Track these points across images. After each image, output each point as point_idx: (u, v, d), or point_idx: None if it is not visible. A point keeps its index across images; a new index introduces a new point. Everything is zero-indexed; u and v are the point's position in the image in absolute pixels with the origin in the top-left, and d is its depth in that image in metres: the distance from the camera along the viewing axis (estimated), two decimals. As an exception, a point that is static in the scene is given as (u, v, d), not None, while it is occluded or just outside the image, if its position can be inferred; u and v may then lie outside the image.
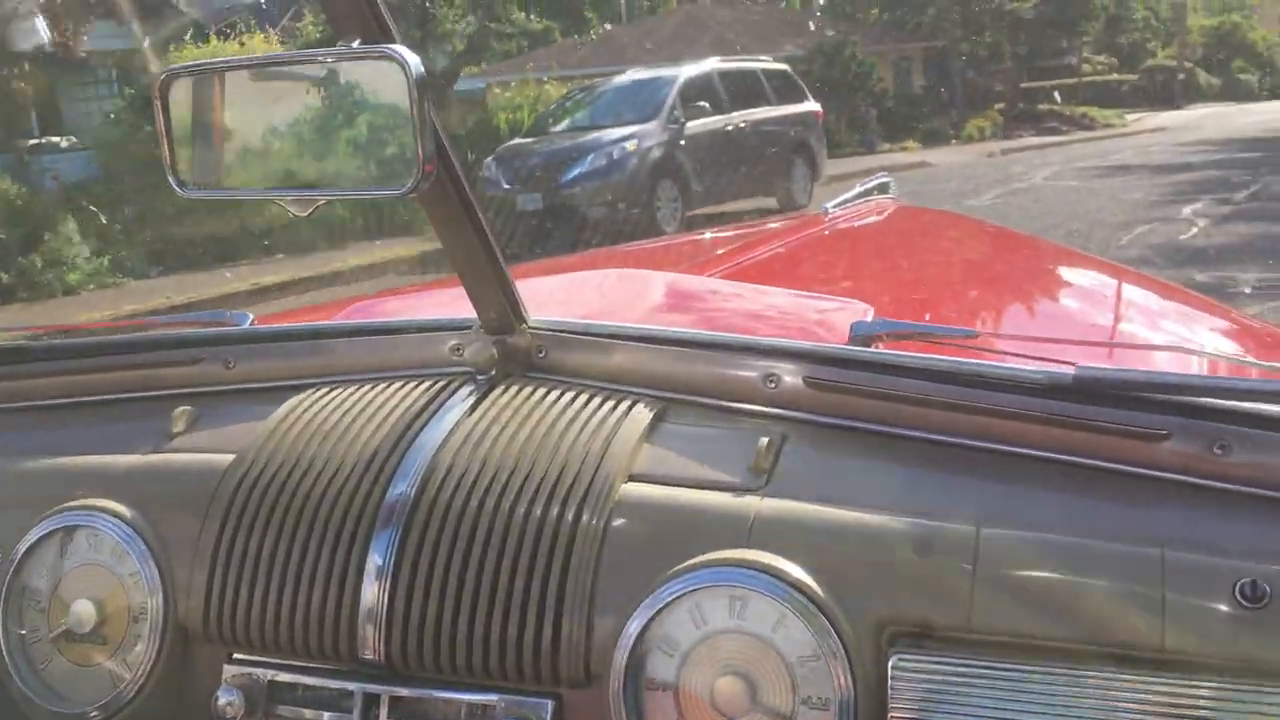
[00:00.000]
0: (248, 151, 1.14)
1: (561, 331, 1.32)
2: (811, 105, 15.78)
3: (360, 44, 1.02)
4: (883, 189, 2.75)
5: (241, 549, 1.19)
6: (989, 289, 2.18)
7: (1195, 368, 1.41)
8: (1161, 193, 14.12)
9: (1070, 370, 1.09)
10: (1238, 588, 0.95)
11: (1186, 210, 12.75)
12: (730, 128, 13.88)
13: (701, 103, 13.57)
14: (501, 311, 1.28)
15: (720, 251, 2.33)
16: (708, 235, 2.88)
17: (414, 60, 0.99)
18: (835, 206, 2.51)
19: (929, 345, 1.31)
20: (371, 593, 1.13)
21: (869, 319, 1.42)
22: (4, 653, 1.23)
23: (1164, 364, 1.42)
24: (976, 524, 1.03)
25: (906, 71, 34.35)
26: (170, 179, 1.13)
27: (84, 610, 1.20)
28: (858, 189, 2.66)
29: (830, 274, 2.21)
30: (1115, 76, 47.75)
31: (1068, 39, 42.33)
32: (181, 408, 1.36)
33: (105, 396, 1.44)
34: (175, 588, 1.21)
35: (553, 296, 1.65)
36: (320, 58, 1.07)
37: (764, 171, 14.44)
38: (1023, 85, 39.67)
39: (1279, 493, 1.01)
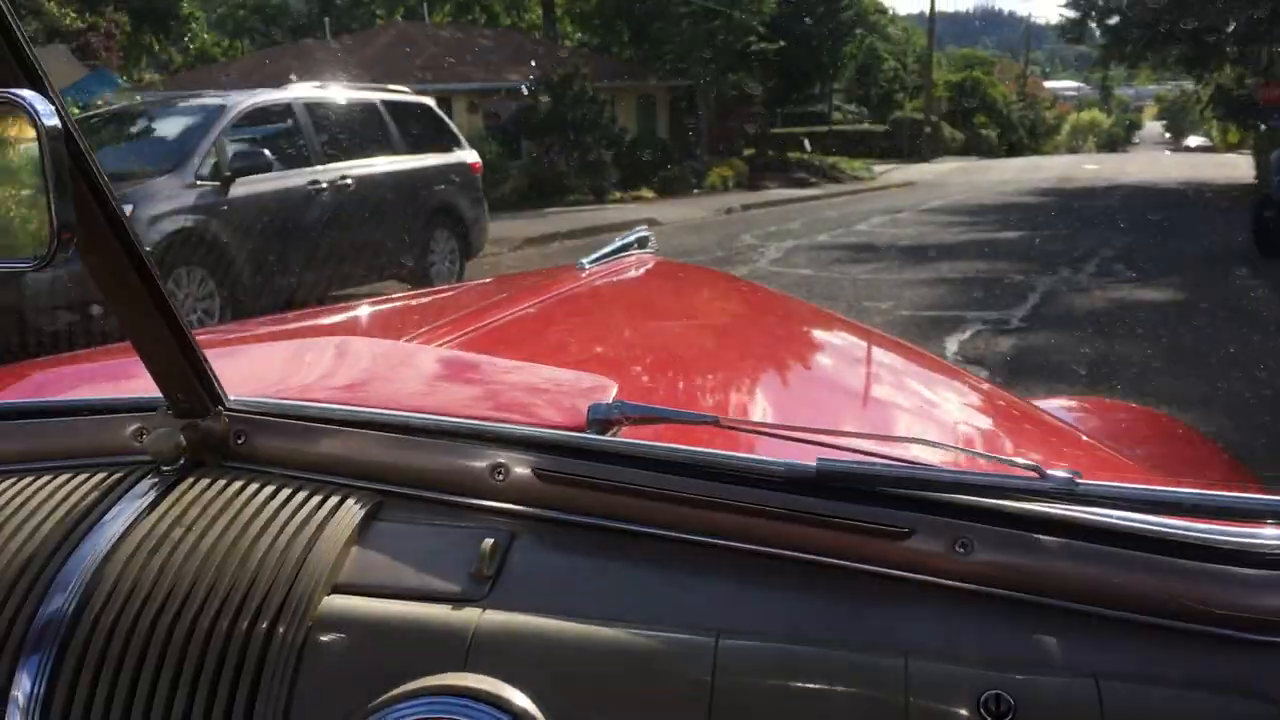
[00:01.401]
0: None
1: (263, 414, 1.13)
2: (465, 155, 11.15)
3: None
4: (642, 243, 2.53)
5: None
6: (739, 363, 1.95)
7: (939, 459, 1.26)
8: (901, 289, 10.79)
9: (811, 463, 1.01)
10: (982, 701, 0.87)
11: (927, 304, 9.10)
12: (321, 187, 9.02)
13: (263, 150, 8.66)
14: (191, 391, 1.09)
15: (461, 313, 1.96)
16: (451, 291, 2.80)
17: (47, 109, 0.81)
18: (592, 262, 2.31)
19: (671, 431, 1.19)
20: None
21: (609, 399, 1.24)
22: None
23: (909, 455, 1.25)
24: (716, 634, 0.91)
25: (650, 111, 30.43)
26: None
27: None
28: (617, 242, 2.47)
29: (578, 341, 1.98)
30: (866, 126, 45.62)
31: (820, 84, 39.66)
32: None
33: None
34: None
35: (254, 370, 1.44)
36: None
37: (382, 248, 9.67)
38: (773, 131, 36.65)
39: (1022, 594, 0.95)
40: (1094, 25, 31.69)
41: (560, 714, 0.89)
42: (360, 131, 9.65)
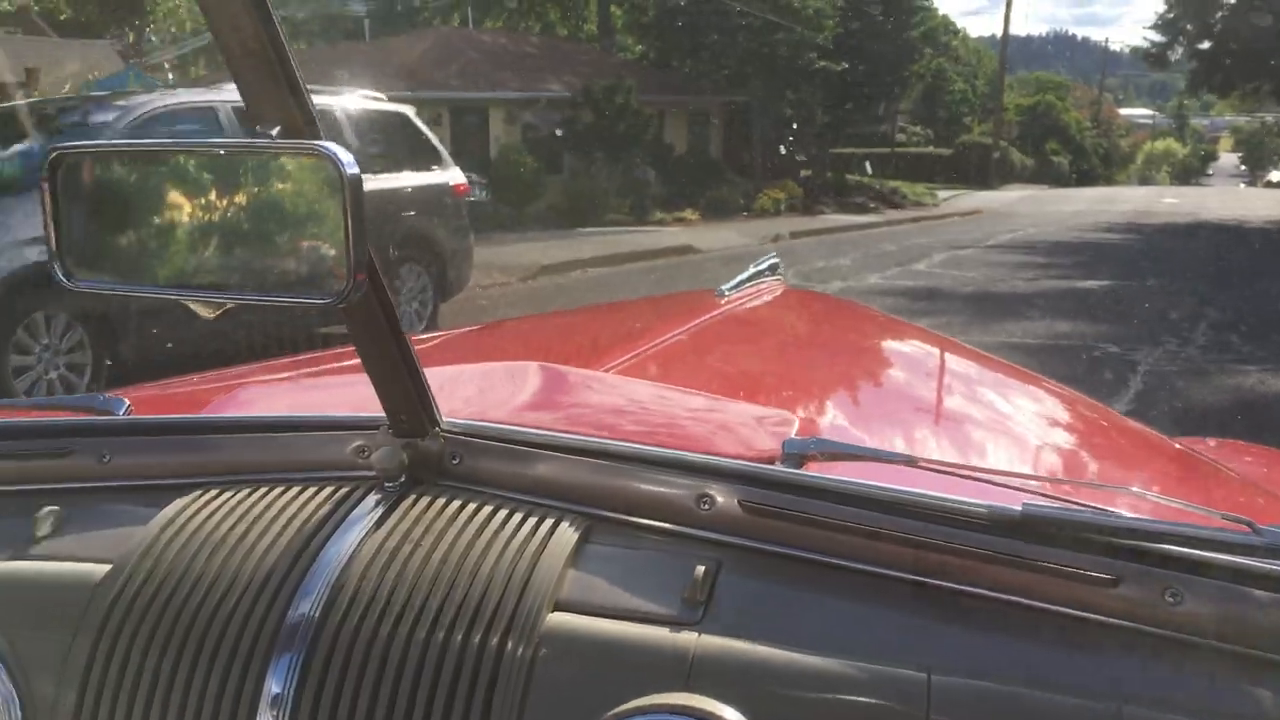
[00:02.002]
0: (148, 244, 0.98)
1: (478, 437, 1.17)
2: (448, 175, 9.21)
3: (280, 134, 0.90)
4: (773, 269, 2.60)
5: (118, 672, 1.01)
6: (916, 401, 1.98)
7: (1146, 510, 1.27)
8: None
9: (1017, 507, 1.01)
10: None
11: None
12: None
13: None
14: (413, 414, 1.13)
15: (609, 339, 2.13)
16: (585, 315, 2.94)
17: (347, 159, 0.87)
18: (731, 289, 2.35)
19: (865, 468, 1.20)
20: None
21: (795, 434, 1.32)
22: None
23: (1113, 504, 1.29)
24: (927, 670, 0.93)
25: (703, 129, 28.54)
26: (55, 268, 0.97)
27: None
28: (751, 270, 2.52)
29: (744, 370, 2.03)
30: (931, 149, 43.34)
31: (885, 105, 37.51)
32: (48, 507, 1.16)
33: None
34: (37, 712, 1.02)
35: (456, 391, 1.44)
36: (239, 148, 0.94)
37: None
38: (833, 151, 34.56)
39: (1235, 646, 0.94)
40: (1182, 51, 29.33)
41: None
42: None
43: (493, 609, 0.99)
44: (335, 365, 1.96)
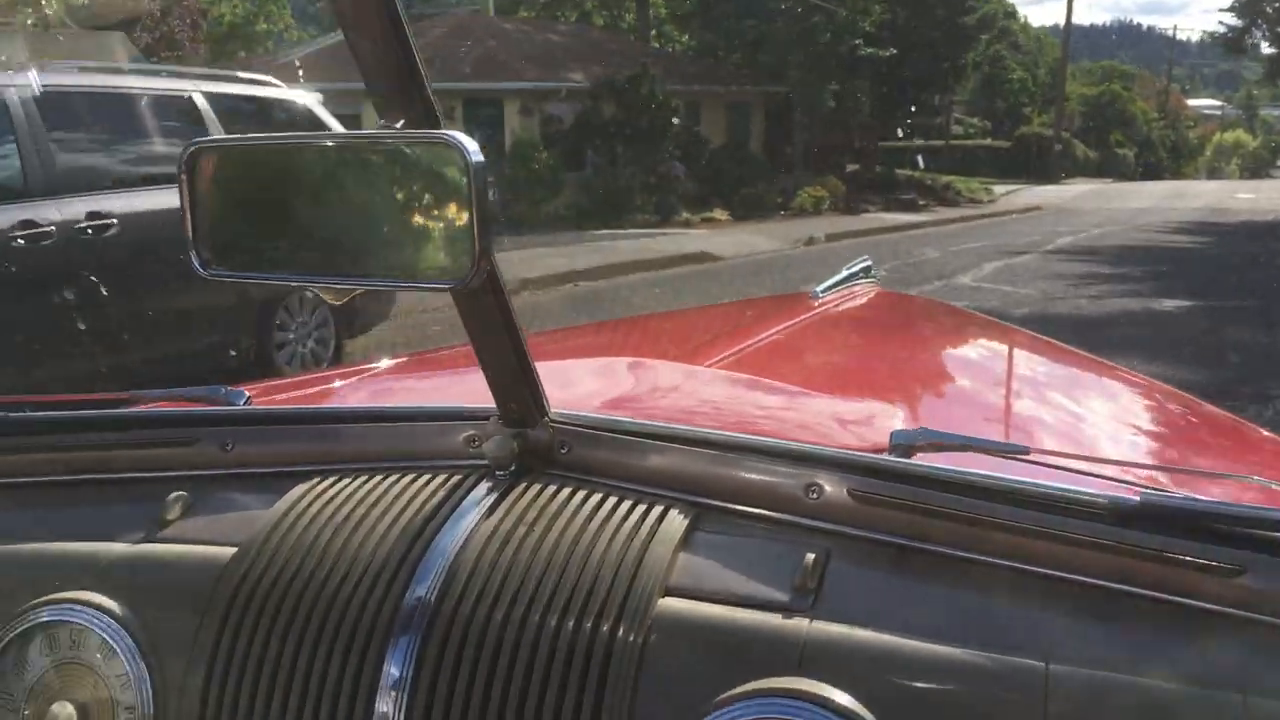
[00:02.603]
0: (279, 233, 1.02)
1: (586, 427, 1.18)
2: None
3: (405, 125, 0.93)
4: (866, 272, 2.62)
5: (243, 652, 1.03)
6: (1017, 396, 1.98)
7: (1266, 500, 1.27)
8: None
9: (1135, 497, 1.00)
10: None
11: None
12: (44, 232, 5.33)
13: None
14: (523, 403, 1.15)
15: (710, 338, 2.13)
16: (687, 314, 3.10)
17: (473, 147, 0.89)
18: (825, 291, 2.38)
19: (973, 458, 1.18)
20: (387, 707, 0.98)
21: (903, 424, 1.32)
22: None
23: (1231, 495, 1.29)
24: (1045, 659, 0.91)
25: (743, 121, 26.51)
26: (192, 257, 1.00)
27: (64, 713, 1.04)
28: (844, 272, 2.54)
29: (843, 367, 2.06)
30: (989, 141, 40.80)
31: (939, 95, 35.12)
32: (175, 493, 1.19)
33: (90, 476, 1.27)
34: (167, 691, 1.04)
35: (563, 383, 1.45)
36: (366, 139, 0.97)
37: (176, 330, 5.82)
38: (883, 144, 32.31)
39: None
40: (1261, 35, 26.74)
41: None
42: (148, 140, 5.93)
43: (604, 594, 0.99)
44: (447, 361, 1.97)
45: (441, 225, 0.93)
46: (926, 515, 1.04)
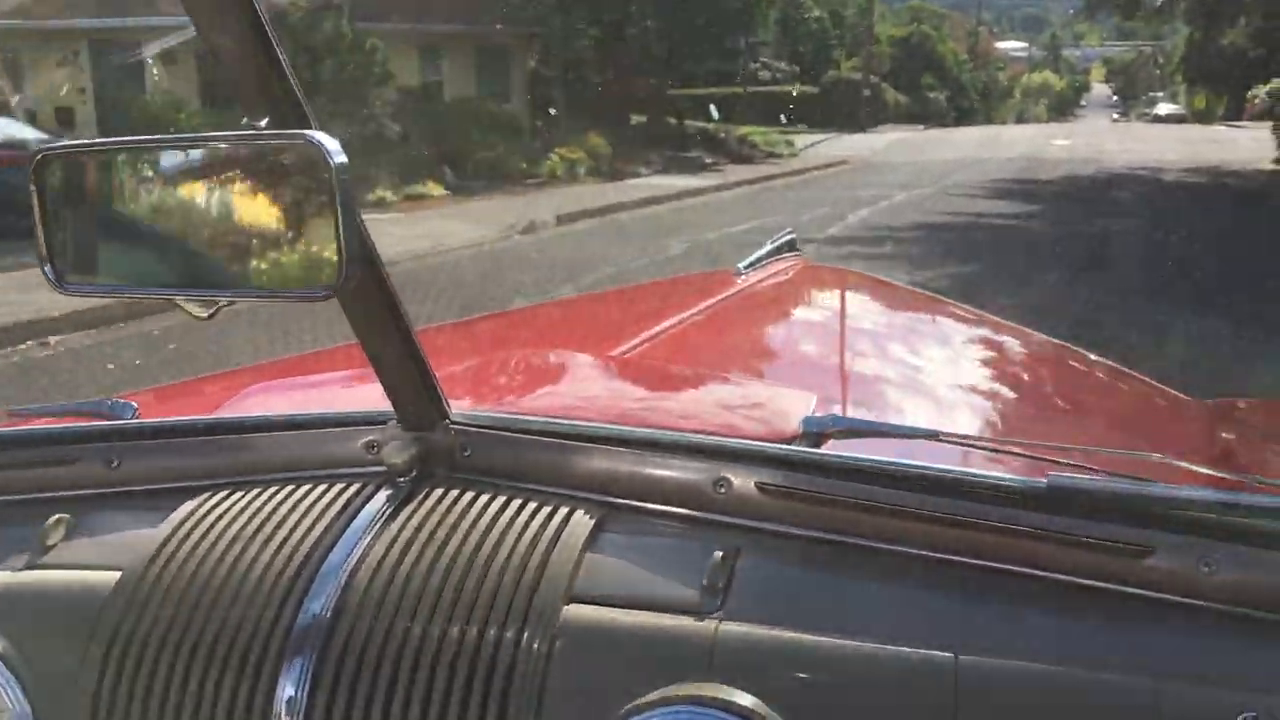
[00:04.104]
0: (138, 244, 0.96)
1: (488, 428, 1.11)
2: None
3: (269, 125, 0.89)
4: (791, 246, 2.50)
5: (129, 683, 0.96)
6: (936, 372, 1.89)
7: (1178, 478, 1.17)
8: None
9: (1043, 479, 0.97)
10: None
11: None
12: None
13: None
14: (421, 405, 1.08)
15: (629, 319, 2.07)
16: (604, 296, 3.05)
17: (334, 147, 0.84)
18: (747, 267, 2.28)
19: (885, 444, 1.15)
20: None
21: (815, 410, 1.25)
22: None
23: (1144, 472, 1.19)
24: (954, 650, 0.89)
25: (500, 70, 21.59)
26: (45, 273, 0.94)
27: None
28: (768, 246, 2.42)
29: (762, 350, 1.98)
30: (796, 88, 36.78)
31: (739, 37, 30.74)
32: (56, 515, 1.10)
33: None
34: None
35: (463, 381, 1.43)
36: (223, 141, 0.91)
37: None
38: (672, 92, 27.85)
39: (1275, 614, 0.91)
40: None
41: None
42: None
43: (507, 603, 0.95)
44: (344, 362, 1.82)
45: (308, 230, 0.89)
46: (837, 506, 1.00)
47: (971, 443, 1.23)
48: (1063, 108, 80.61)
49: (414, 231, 11.53)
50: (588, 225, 12.93)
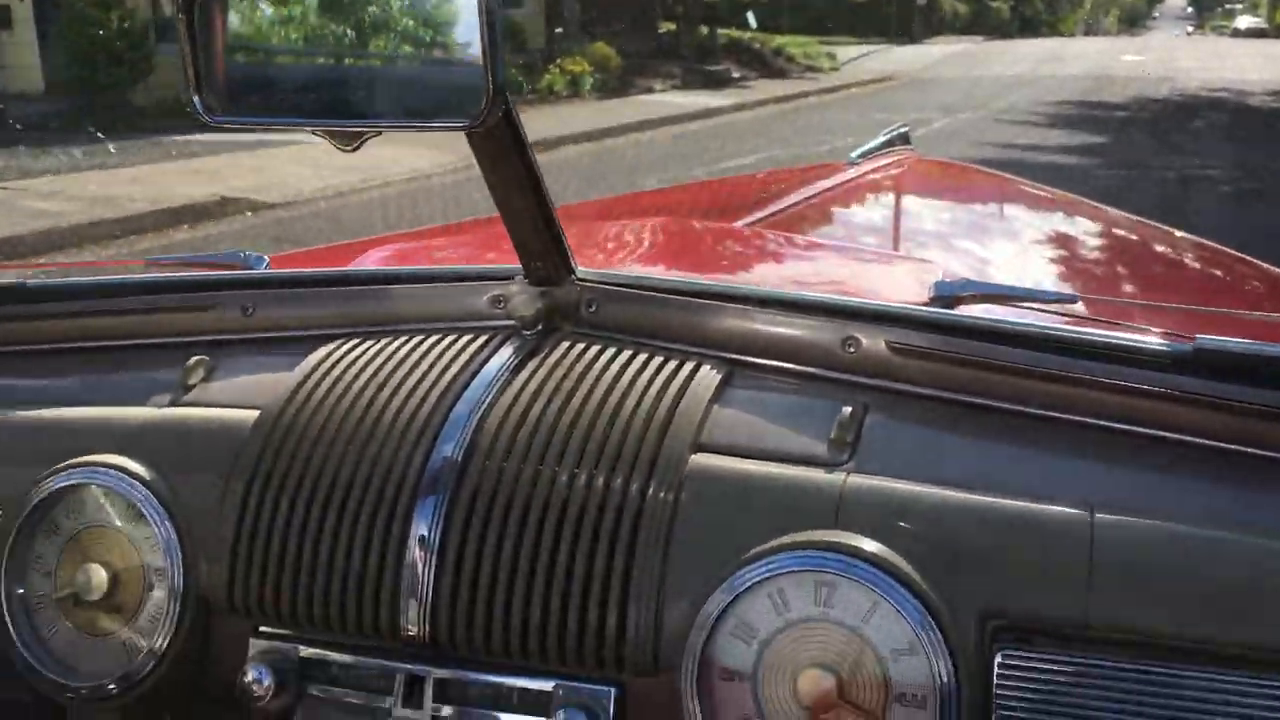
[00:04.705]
0: (285, 76, 0.98)
1: (613, 285, 1.11)
2: None
3: None
4: (904, 139, 2.46)
5: (269, 515, 0.99)
6: (1066, 252, 1.91)
7: None
8: None
9: (1188, 343, 0.95)
10: None
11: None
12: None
13: None
14: (549, 261, 1.08)
15: (751, 201, 1.98)
16: (722, 181, 3.06)
17: None
18: (859, 156, 2.25)
19: (1019, 310, 1.17)
20: (415, 566, 0.94)
21: (941, 277, 1.24)
22: (6, 618, 1.03)
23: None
24: (1090, 508, 0.87)
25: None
26: (195, 105, 0.93)
27: (94, 575, 1.00)
28: (881, 138, 2.39)
29: (884, 227, 1.96)
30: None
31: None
32: (197, 357, 1.15)
33: (113, 343, 1.22)
34: (195, 553, 1.01)
35: (590, 244, 1.45)
36: None
37: None
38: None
39: None
40: None
41: (931, 574, 0.86)
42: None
43: (634, 451, 0.95)
44: (470, 228, 1.91)
45: (453, 61, 0.89)
46: (972, 367, 0.99)
47: (1111, 306, 1.24)
48: (1134, 19, 75.96)
49: (347, 161, 9.61)
50: (564, 155, 10.92)
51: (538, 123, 12.22)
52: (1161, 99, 17.64)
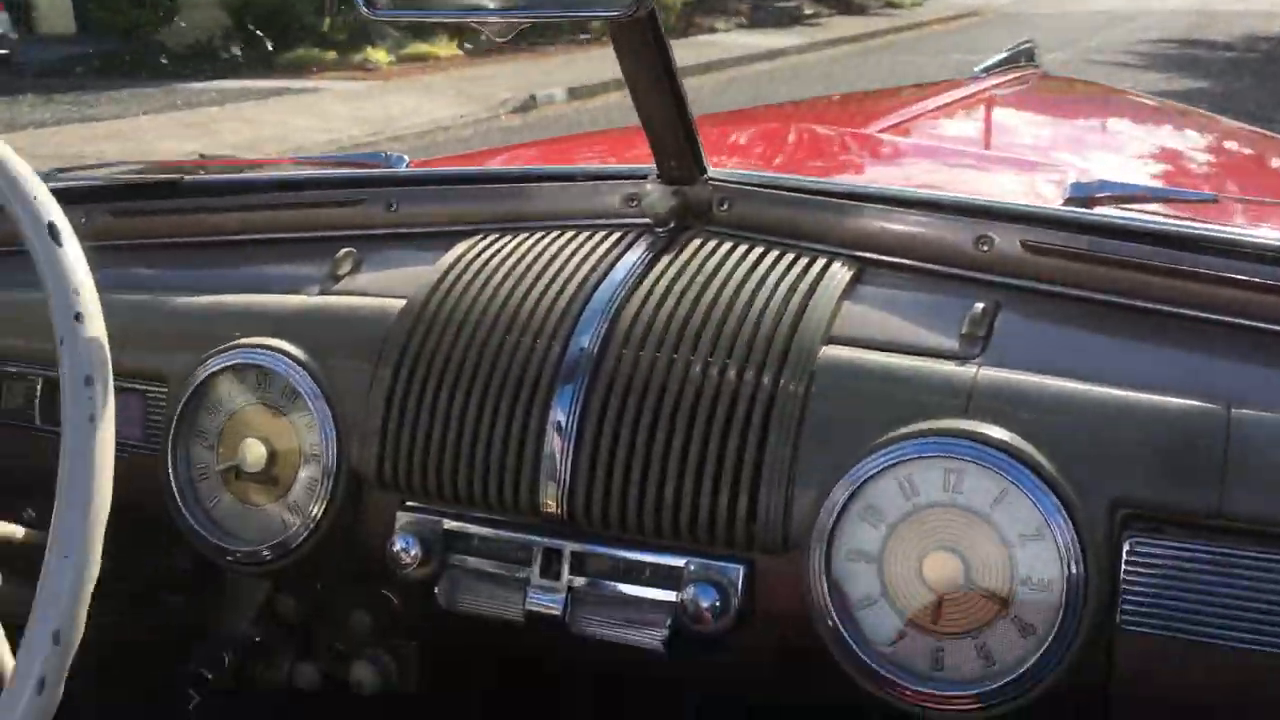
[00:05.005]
0: None
1: (745, 184, 1.14)
2: None
3: None
4: (1029, 55, 2.47)
5: (416, 398, 1.04)
6: (1204, 163, 1.91)
7: None
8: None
9: None
10: None
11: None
12: None
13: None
14: (683, 160, 1.11)
15: (878, 109, 2.06)
16: (847, 96, 3.03)
17: None
18: (983, 71, 2.31)
19: (1156, 211, 1.16)
20: (553, 450, 0.99)
21: (1074, 179, 1.25)
22: (174, 488, 1.10)
23: None
24: (1227, 403, 0.87)
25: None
26: None
27: (253, 450, 1.07)
28: (1005, 53, 2.42)
29: (1011, 138, 1.96)
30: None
31: None
32: (345, 250, 1.21)
33: (266, 235, 1.30)
34: (347, 432, 1.06)
35: (723, 147, 1.50)
36: None
37: None
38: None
39: None
40: None
41: (1061, 462, 0.86)
42: None
43: (766, 342, 0.97)
44: (601, 136, 2.06)
45: None
46: (1108, 265, 0.98)
47: (1253, 203, 1.21)
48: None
49: (362, 109, 8.89)
50: (603, 103, 10.04)
51: (586, 66, 11.35)
52: (1274, 37, 15.97)
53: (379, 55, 11.69)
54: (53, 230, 0.78)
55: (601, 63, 11.91)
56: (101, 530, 0.72)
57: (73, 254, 0.78)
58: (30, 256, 0.79)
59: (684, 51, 12.61)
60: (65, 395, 0.74)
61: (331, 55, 11.47)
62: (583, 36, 14.00)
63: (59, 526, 0.71)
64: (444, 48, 12.39)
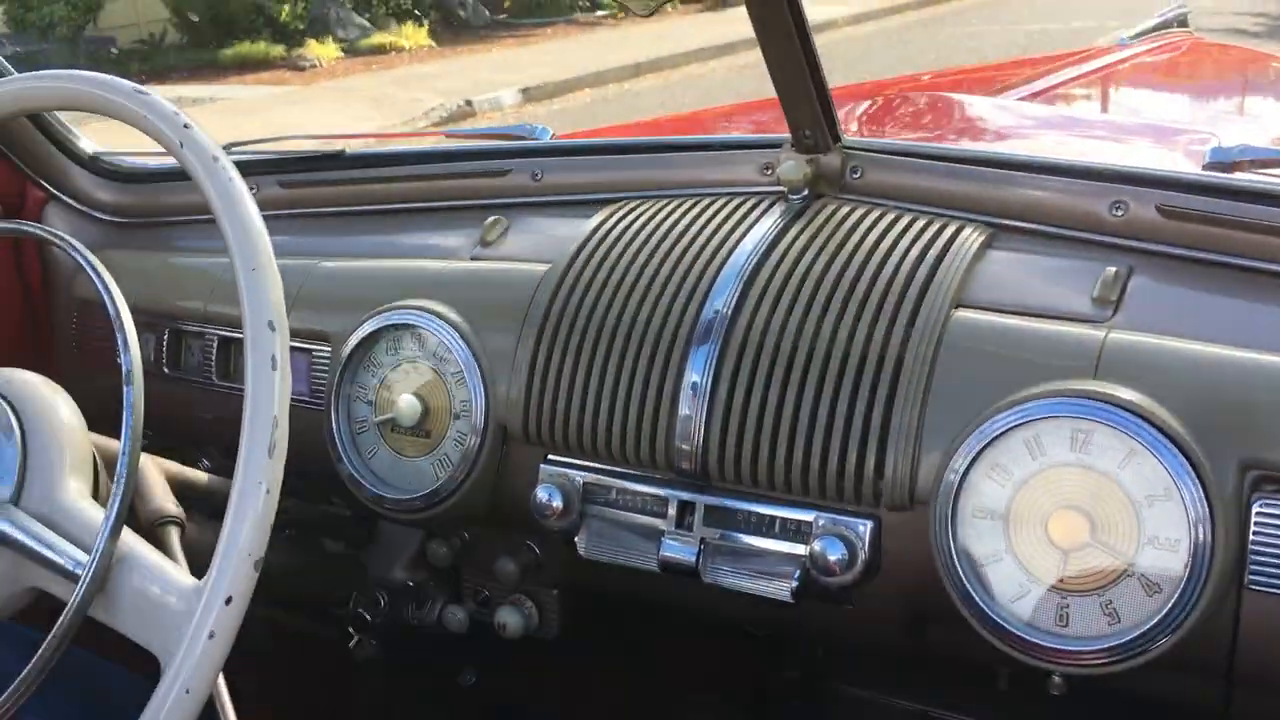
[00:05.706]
0: None
1: (878, 152, 1.16)
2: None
3: None
4: (1182, 21, 2.43)
5: (559, 358, 1.10)
6: None
7: None
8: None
9: None
10: None
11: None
12: None
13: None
14: (817, 129, 1.13)
15: (1010, 79, 2.02)
16: (986, 66, 2.96)
17: None
18: (1132, 37, 2.30)
19: None
20: (689, 409, 1.02)
21: (1218, 144, 1.24)
22: (336, 438, 1.17)
23: None
24: None
25: None
26: None
27: (409, 405, 1.13)
28: (1156, 19, 2.39)
29: (1154, 104, 1.97)
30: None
31: None
32: (493, 217, 1.28)
33: (421, 204, 1.37)
34: (495, 389, 1.12)
35: (857, 116, 1.53)
36: None
37: None
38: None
39: None
40: None
41: (1190, 423, 0.85)
42: None
43: (895, 305, 0.98)
44: (736, 109, 2.07)
45: None
46: (1249, 230, 0.97)
47: None
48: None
49: (242, 127, 7.21)
50: (561, 105, 8.10)
51: (582, 53, 9.44)
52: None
53: (323, 50, 10.04)
54: (234, 192, 0.82)
55: (611, 44, 9.99)
56: (282, 463, 0.75)
57: (252, 212, 0.82)
58: (209, 226, 0.85)
59: (703, 28, 10.56)
60: (248, 340, 0.78)
61: (279, 51, 9.80)
62: (602, 15, 12.07)
63: (246, 458, 0.74)
64: (410, 37, 10.68)
